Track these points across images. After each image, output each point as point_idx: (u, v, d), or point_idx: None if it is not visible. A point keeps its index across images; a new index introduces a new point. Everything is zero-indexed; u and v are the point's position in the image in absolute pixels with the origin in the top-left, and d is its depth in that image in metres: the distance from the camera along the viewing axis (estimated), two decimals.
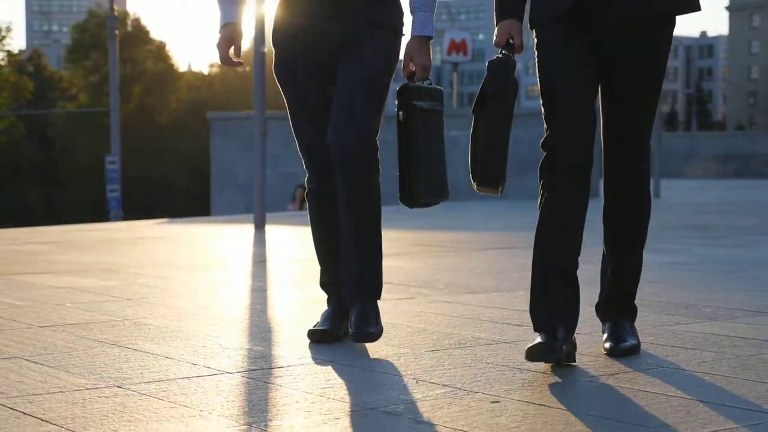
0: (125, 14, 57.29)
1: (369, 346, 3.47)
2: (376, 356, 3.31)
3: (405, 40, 3.53)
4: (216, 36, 3.55)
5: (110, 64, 25.84)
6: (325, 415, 2.54)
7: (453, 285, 5.25)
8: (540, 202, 3.13)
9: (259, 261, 6.96)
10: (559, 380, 2.92)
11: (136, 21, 58.56)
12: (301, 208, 16.43)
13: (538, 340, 3.04)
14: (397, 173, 3.45)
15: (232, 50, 3.52)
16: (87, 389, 2.83)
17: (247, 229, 9.99)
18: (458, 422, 2.46)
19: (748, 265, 6.32)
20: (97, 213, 33.82)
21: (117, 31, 26.33)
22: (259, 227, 9.95)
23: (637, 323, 3.48)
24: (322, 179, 3.57)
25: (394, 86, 3.52)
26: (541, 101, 3.16)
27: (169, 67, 59.10)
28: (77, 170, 52.36)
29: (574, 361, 3.09)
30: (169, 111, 56.66)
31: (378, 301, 3.52)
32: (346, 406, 2.64)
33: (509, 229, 10.04)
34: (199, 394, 2.77)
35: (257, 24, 10.14)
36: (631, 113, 3.22)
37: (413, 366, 3.14)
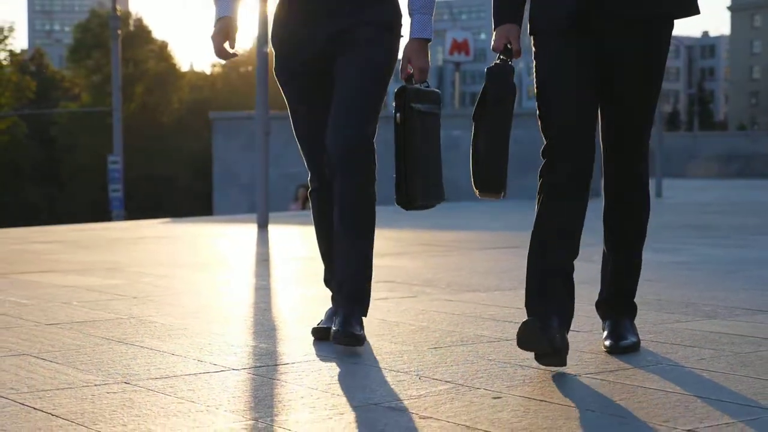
0: (127, 14, 57.33)
1: (372, 343, 3.51)
2: (379, 353, 3.36)
3: (403, 41, 3.55)
4: (211, 30, 3.52)
5: (112, 64, 25.89)
6: (330, 411, 2.59)
7: (455, 284, 5.30)
8: (538, 202, 3.15)
9: (263, 260, 7.01)
10: (560, 377, 2.97)
11: (138, 21, 58.57)
12: (304, 207, 16.47)
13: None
14: (394, 175, 3.47)
15: (227, 44, 3.52)
16: (95, 385, 2.88)
17: (250, 229, 10.03)
18: (460, 417, 2.50)
19: (749, 264, 6.36)
20: (99, 213, 33.85)
21: (119, 31, 26.38)
22: (262, 226, 10.00)
23: (637, 321, 3.52)
24: (324, 180, 3.59)
25: (393, 87, 3.55)
26: (537, 111, 3.16)
27: (172, 67, 59.10)
28: (79, 170, 52.38)
29: (565, 364, 3.00)
30: (172, 111, 56.67)
31: (364, 316, 3.44)
32: (351, 402, 2.69)
33: (510, 228, 10.08)
34: (206, 390, 2.82)
35: (261, 24, 10.18)
36: (631, 113, 3.24)
37: (416, 363, 3.18)
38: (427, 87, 3.52)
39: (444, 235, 9.25)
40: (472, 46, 32.24)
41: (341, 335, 3.31)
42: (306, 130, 3.62)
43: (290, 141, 3.73)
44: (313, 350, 3.42)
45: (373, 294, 4.74)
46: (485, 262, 6.59)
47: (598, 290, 3.47)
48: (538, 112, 3.16)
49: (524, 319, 3.02)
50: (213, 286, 5.36)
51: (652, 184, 3.43)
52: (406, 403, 2.66)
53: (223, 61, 3.63)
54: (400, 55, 3.57)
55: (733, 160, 43.93)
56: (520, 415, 2.52)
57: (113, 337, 3.67)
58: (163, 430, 2.40)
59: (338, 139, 3.42)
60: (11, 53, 56.03)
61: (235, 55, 3.53)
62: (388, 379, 2.97)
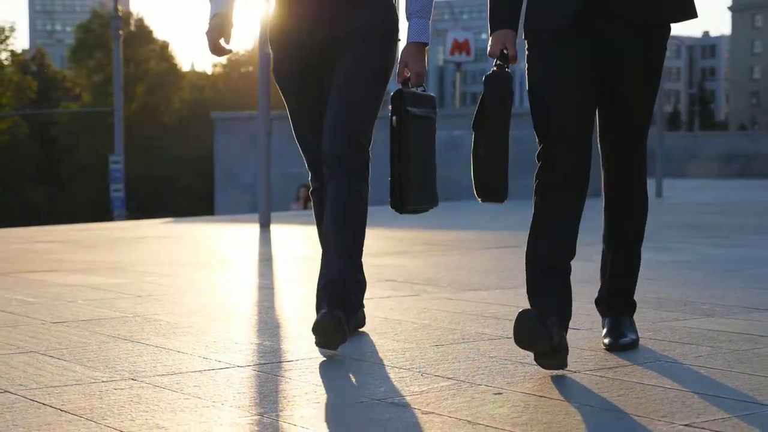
0: (128, 14, 57.29)
1: (375, 341, 3.56)
2: (382, 351, 3.40)
3: (400, 45, 3.58)
4: (206, 26, 3.55)
5: (114, 64, 25.98)
6: (334, 406, 2.63)
7: (456, 282, 5.35)
8: (535, 204, 3.16)
9: (265, 259, 7.05)
10: (560, 373, 3.01)
11: (140, 21, 58.57)
12: (305, 207, 16.51)
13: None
14: (389, 178, 3.49)
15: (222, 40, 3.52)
16: (103, 382, 2.92)
17: (252, 228, 10.08)
18: (462, 412, 2.55)
19: (748, 264, 6.40)
20: (100, 213, 33.85)
21: (121, 31, 26.43)
22: (264, 226, 10.04)
23: (636, 319, 3.56)
24: (325, 180, 3.61)
25: (391, 89, 3.57)
26: (531, 115, 3.17)
27: (173, 67, 59.10)
28: (80, 170, 52.39)
29: (565, 366, 3.00)
30: (173, 111, 56.67)
31: (344, 317, 3.32)
32: (354, 398, 2.73)
33: (510, 228, 10.11)
34: (212, 386, 2.86)
35: (263, 25, 10.21)
36: (631, 113, 3.27)
37: (419, 360, 3.23)
38: (424, 91, 3.54)
39: (445, 234, 9.30)
40: (473, 46, 32.26)
41: (321, 327, 3.24)
42: (305, 131, 3.65)
43: (292, 141, 3.77)
44: (316, 348, 3.46)
45: (376, 293, 4.80)
46: (486, 261, 6.64)
47: (597, 288, 3.51)
48: (532, 113, 3.18)
49: (520, 310, 3.02)
50: (217, 285, 5.41)
51: (652, 184, 3.45)
52: (408, 398, 2.71)
53: (221, 59, 3.68)
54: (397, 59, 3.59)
55: (733, 160, 43.95)
56: (521, 411, 2.57)
57: (119, 335, 3.72)
58: (171, 425, 2.44)
59: (332, 146, 3.45)
60: (12, 53, 56.02)
61: (230, 51, 3.54)
62: (391, 375, 3.01)
